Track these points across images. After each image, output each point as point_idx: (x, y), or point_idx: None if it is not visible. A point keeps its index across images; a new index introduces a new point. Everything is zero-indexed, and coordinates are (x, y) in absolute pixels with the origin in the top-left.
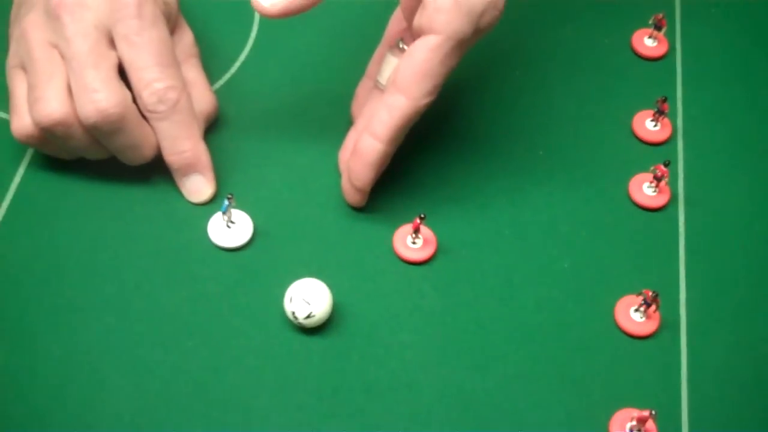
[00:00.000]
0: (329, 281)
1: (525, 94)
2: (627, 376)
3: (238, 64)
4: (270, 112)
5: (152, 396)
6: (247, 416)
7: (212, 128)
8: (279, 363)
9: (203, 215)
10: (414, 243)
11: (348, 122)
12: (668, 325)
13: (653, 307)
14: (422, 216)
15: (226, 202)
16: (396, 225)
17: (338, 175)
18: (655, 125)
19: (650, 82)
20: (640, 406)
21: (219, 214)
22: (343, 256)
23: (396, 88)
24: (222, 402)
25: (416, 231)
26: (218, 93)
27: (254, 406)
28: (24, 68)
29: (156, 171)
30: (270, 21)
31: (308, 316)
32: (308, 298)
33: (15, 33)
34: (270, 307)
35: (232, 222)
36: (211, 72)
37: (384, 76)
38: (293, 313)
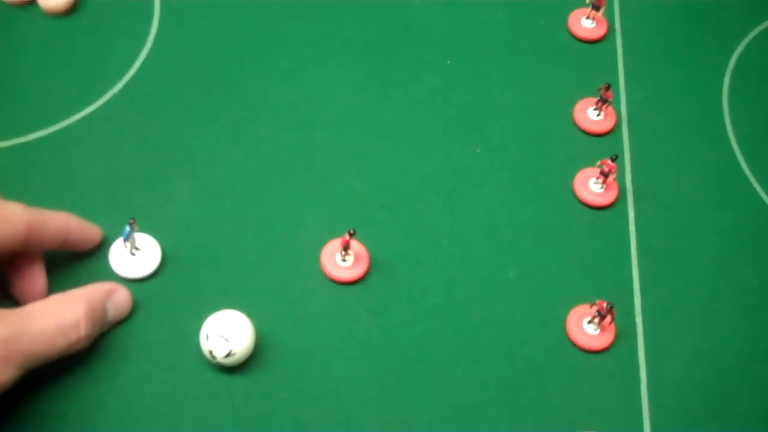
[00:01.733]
0: (250, 310)
1: (458, 86)
2: (583, 395)
3: (137, 64)
4: (175, 117)
5: None
6: None
7: (110, 137)
8: (198, 409)
9: (104, 242)
10: (344, 261)
11: (266, 127)
12: (624, 336)
13: (608, 318)
14: (351, 231)
15: (128, 228)
16: (324, 240)
17: (258, 187)
18: (599, 114)
19: (591, 67)
20: (599, 429)
21: (120, 241)
22: (264, 280)
23: None
24: None
25: (346, 248)
26: (117, 97)
27: None
28: None
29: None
30: (172, 14)
31: (228, 354)
32: (227, 334)
33: None
34: (184, 346)
35: (136, 249)
36: (108, 74)
37: None
38: (210, 351)
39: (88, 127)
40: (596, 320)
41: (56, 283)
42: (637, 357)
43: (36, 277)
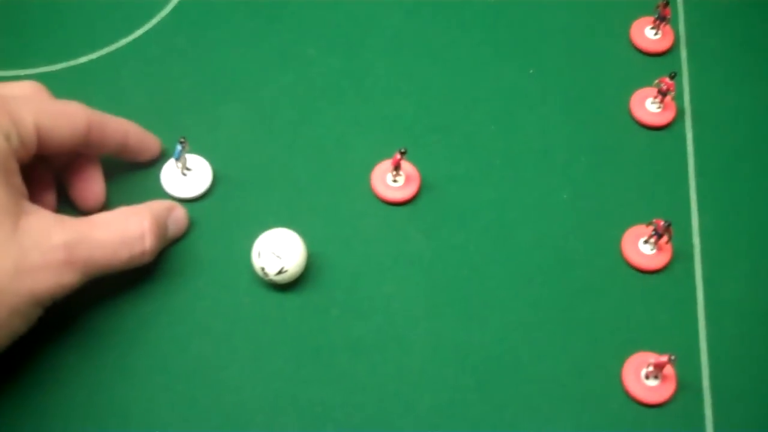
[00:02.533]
0: (301, 230)
1: (511, 6)
2: (639, 316)
3: None
4: (223, 40)
5: (107, 369)
6: (216, 389)
7: (160, 61)
8: (250, 326)
9: (156, 161)
10: (395, 181)
11: (315, 49)
12: (681, 257)
13: (665, 237)
14: (403, 150)
15: (179, 147)
16: (373, 162)
17: (307, 109)
18: (656, 33)
19: None
20: (655, 349)
21: (172, 161)
22: (315, 200)
23: None
24: (186, 375)
25: (397, 167)
26: (165, 21)
27: (224, 377)
28: None
29: None
30: None
31: (280, 272)
32: (279, 252)
33: None
34: (237, 264)
35: (187, 169)
36: None
37: None
38: (263, 269)
39: (138, 50)
40: (653, 240)
41: (109, 203)
42: (694, 277)
43: (94, 182)
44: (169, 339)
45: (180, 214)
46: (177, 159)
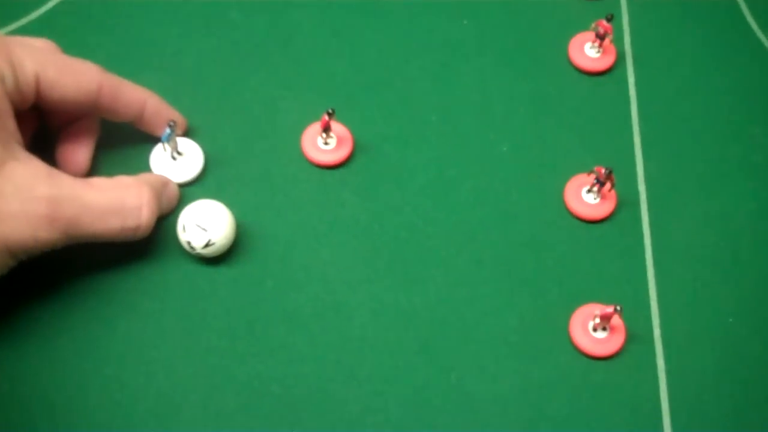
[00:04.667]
0: (231, 200)
1: None
2: (585, 267)
3: None
4: (141, 7)
5: (30, 356)
6: (147, 369)
7: (73, 31)
8: (179, 303)
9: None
10: (326, 144)
11: (237, 11)
12: (626, 204)
13: (608, 185)
14: (330, 111)
15: (168, 131)
16: (304, 125)
17: (232, 73)
18: None
19: None
20: (603, 300)
21: (161, 144)
22: (244, 168)
23: None
24: (115, 356)
25: (326, 129)
26: None
27: (155, 356)
28: None
29: None
30: None
31: (207, 245)
32: (204, 224)
33: None
34: (164, 239)
35: (178, 153)
36: None
37: None
38: (189, 243)
39: (50, 22)
40: (596, 188)
41: None
42: (641, 225)
43: (82, 149)
44: (96, 320)
45: (173, 190)
46: (166, 142)
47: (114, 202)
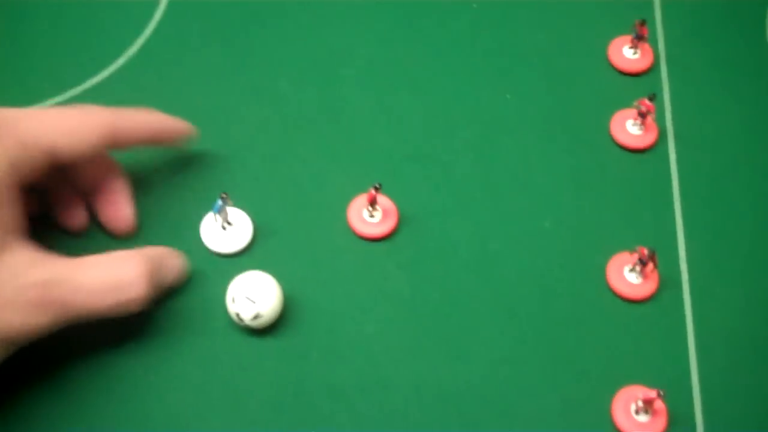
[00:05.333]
0: (278, 272)
1: (485, 30)
2: (627, 347)
3: (153, 24)
4: (194, 77)
5: (83, 425)
6: None
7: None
8: (227, 374)
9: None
10: (372, 216)
11: (287, 83)
12: (668, 284)
13: (650, 265)
14: (377, 186)
15: (220, 202)
16: (350, 197)
17: (281, 145)
18: (635, 53)
19: (624, 2)
20: (645, 381)
21: (211, 214)
22: (291, 240)
23: None
24: (165, 427)
25: (373, 203)
26: (133, 59)
27: (204, 427)
28: None
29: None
30: None
31: (255, 317)
32: (253, 296)
33: None
34: (213, 309)
35: (228, 223)
36: (124, 35)
37: None
38: (237, 314)
39: (106, 90)
40: (638, 268)
41: None
42: (683, 306)
43: (121, 204)
44: (146, 390)
45: (176, 262)
46: (217, 213)
47: (107, 278)
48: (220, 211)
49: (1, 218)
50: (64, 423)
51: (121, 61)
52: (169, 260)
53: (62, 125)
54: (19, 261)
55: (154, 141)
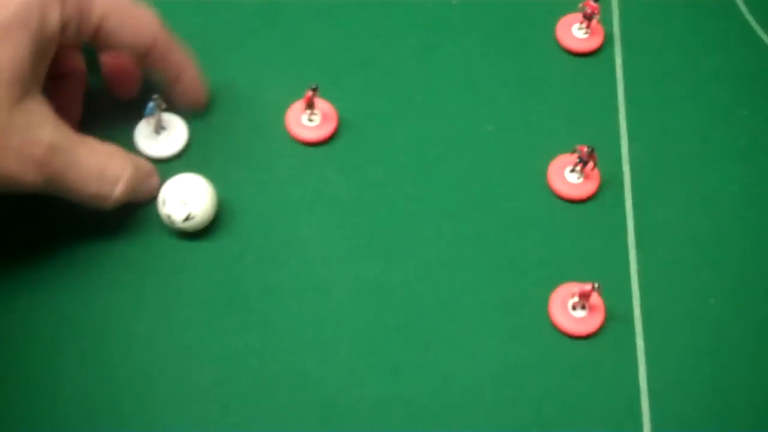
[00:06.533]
0: (214, 175)
1: None
2: (567, 246)
3: None
4: None
5: (6, 329)
6: (126, 342)
7: None
8: (159, 277)
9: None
10: (310, 120)
11: None
12: (610, 184)
13: (590, 164)
14: (314, 87)
15: (151, 104)
16: (288, 101)
17: (216, 50)
18: None
19: None
20: (584, 280)
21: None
22: (228, 144)
23: None
24: (94, 329)
25: (310, 106)
26: None
27: (134, 329)
28: None
29: None
30: None
31: (187, 218)
32: (185, 197)
33: None
34: (144, 213)
35: (162, 128)
36: None
37: None
38: (169, 216)
39: None
40: (578, 167)
41: None
42: (624, 205)
43: (75, 103)
44: (74, 293)
45: (155, 180)
46: (150, 116)
47: (99, 167)
48: (153, 114)
49: (38, 68)
50: None
51: None
52: (150, 177)
53: (122, 9)
54: (36, 113)
55: (174, 85)
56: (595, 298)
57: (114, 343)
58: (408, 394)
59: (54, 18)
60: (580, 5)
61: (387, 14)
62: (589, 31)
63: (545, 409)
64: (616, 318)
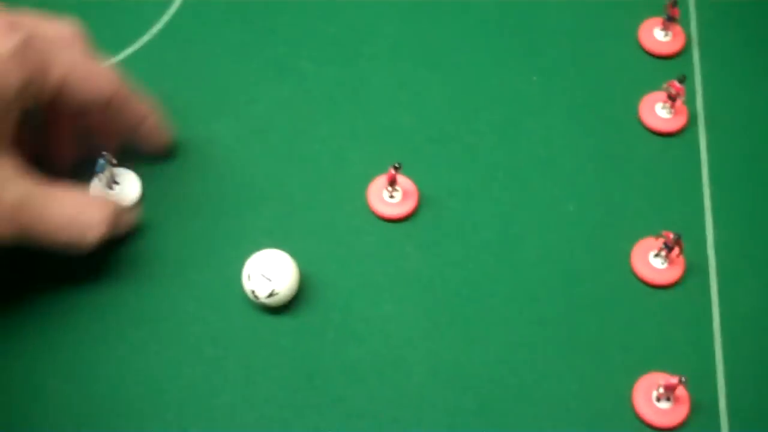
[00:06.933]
0: (295, 250)
1: (511, 9)
2: (650, 333)
3: (176, 2)
4: (215, 55)
5: (96, 400)
6: (208, 416)
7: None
8: (242, 351)
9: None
10: (392, 197)
11: (309, 62)
12: (695, 270)
13: (676, 250)
14: (397, 165)
15: (101, 161)
16: (370, 177)
17: (301, 123)
18: (666, 34)
19: None
20: (667, 369)
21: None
22: (310, 218)
23: None
24: (178, 402)
25: (392, 182)
26: (155, 38)
27: (216, 403)
28: None
29: None
30: None
31: (271, 295)
32: (269, 274)
33: None
34: (228, 287)
35: (115, 183)
36: (146, 15)
37: None
38: (253, 291)
39: (130, 66)
40: (663, 253)
41: None
42: (709, 292)
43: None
44: (160, 366)
45: (132, 215)
46: (100, 173)
47: (72, 216)
48: (103, 170)
49: (3, 129)
50: (80, 398)
51: (145, 39)
52: (127, 212)
53: (81, 68)
54: (5, 170)
55: (135, 134)
56: (681, 390)
57: (197, 416)
58: None
59: (14, 79)
60: (665, 85)
61: (468, 90)
62: (673, 110)
63: None
64: (701, 410)
